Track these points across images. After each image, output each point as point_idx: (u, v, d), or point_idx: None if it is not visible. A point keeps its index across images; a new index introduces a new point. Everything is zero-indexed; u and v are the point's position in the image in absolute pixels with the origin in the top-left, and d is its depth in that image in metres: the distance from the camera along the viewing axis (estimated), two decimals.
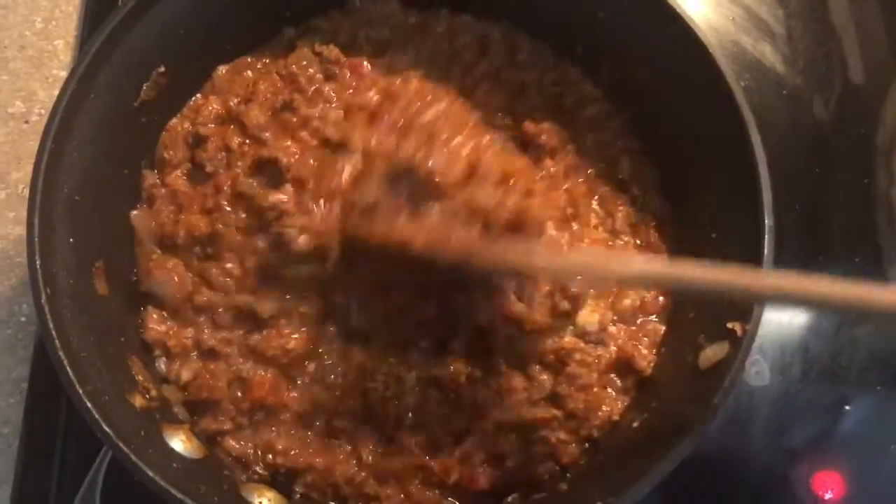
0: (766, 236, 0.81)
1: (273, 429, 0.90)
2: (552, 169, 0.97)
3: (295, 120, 0.94)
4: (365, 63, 1.00)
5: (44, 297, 0.77)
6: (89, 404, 0.75)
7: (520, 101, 1.00)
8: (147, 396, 0.85)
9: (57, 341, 0.76)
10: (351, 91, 0.97)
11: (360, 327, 0.92)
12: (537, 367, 0.88)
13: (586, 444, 0.89)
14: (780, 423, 1.03)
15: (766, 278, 0.71)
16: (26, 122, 1.15)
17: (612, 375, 0.91)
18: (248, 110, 0.95)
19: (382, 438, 0.90)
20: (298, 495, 0.88)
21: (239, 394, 0.90)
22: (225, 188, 0.93)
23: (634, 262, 0.75)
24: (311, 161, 0.92)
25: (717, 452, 1.00)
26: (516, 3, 1.01)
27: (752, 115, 0.84)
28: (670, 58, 0.91)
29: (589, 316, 0.89)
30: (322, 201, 0.82)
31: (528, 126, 0.98)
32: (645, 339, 0.92)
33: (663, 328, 0.92)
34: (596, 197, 0.98)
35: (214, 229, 0.92)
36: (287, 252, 0.89)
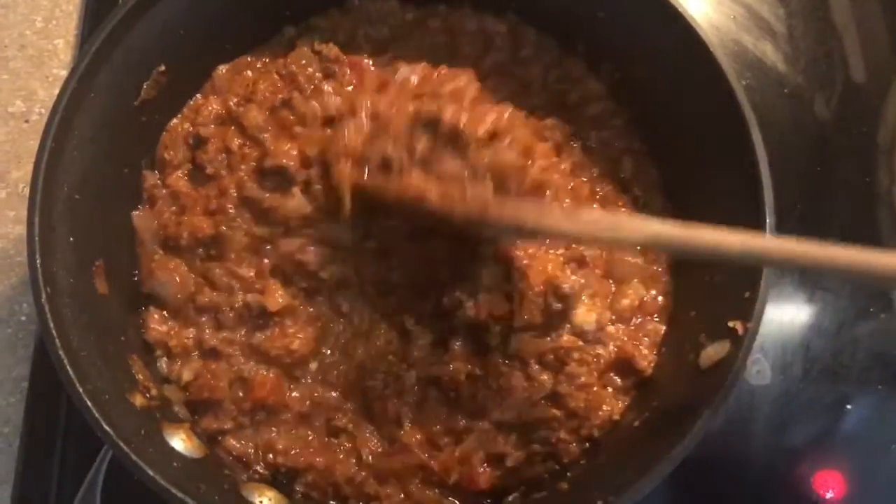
0: (768, 235, 0.81)
1: (274, 428, 0.90)
2: (562, 166, 0.97)
3: (292, 117, 0.94)
4: (365, 60, 1.00)
5: (44, 296, 0.77)
6: (89, 403, 0.75)
7: (523, 97, 1.00)
8: (147, 395, 0.85)
9: (57, 340, 0.76)
10: (351, 87, 0.97)
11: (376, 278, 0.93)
12: (537, 366, 0.88)
13: (587, 444, 0.89)
14: (781, 422, 1.03)
15: (776, 243, 0.71)
16: (26, 121, 1.15)
17: (613, 375, 0.91)
18: (247, 111, 0.94)
19: (383, 438, 0.90)
20: (299, 495, 0.89)
21: (240, 394, 0.90)
22: (230, 192, 0.93)
23: (646, 224, 0.75)
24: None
25: (718, 452, 1.00)
26: (516, 2, 1.01)
27: (753, 114, 0.84)
28: (671, 57, 0.90)
29: (586, 315, 0.89)
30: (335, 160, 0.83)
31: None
32: (645, 338, 0.92)
33: (664, 328, 0.92)
34: (597, 197, 0.98)
35: (218, 231, 0.92)
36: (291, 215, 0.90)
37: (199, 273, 0.93)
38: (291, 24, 1.01)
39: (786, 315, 1.08)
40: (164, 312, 0.92)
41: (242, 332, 0.92)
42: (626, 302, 0.91)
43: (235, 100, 0.97)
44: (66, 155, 0.83)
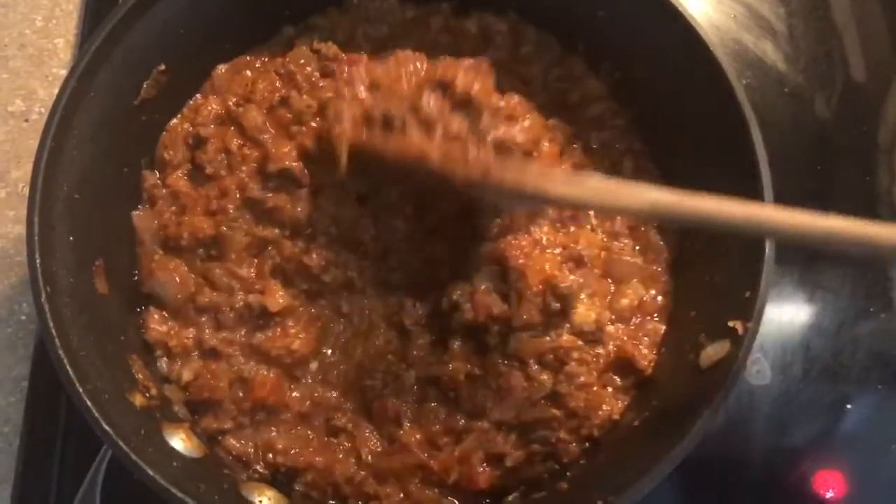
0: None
1: (273, 428, 0.90)
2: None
3: (290, 115, 0.93)
4: (364, 57, 1.00)
5: (43, 295, 0.77)
6: (89, 403, 0.75)
7: (525, 96, 1.00)
8: (147, 395, 0.85)
9: (57, 340, 0.76)
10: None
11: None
12: (536, 366, 0.88)
13: (586, 444, 0.89)
14: (781, 422, 1.03)
15: (777, 212, 0.71)
16: (26, 120, 1.15)
17: (612, 374, 0.91)
18: (246, 112, 0.94)
19: (382, 437, 0.90)
20: (298, 494, 0.89)
21: (240, 394, 0.90)
22: (231, 192, 0.93)
23: (647, 191, 0.74)
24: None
25: (718, 452, 1.00)
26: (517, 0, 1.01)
27: (753, 114, 0.84)
28: (671, 56, 0.90)
29: (585, 315, 0.89)
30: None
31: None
32: (645, 338, 0.91)
33: (663, 327, 0.92)
34: None
35: (219, 231, 0.92)
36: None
37: (199, 273, 0.93)
38: (291, 23, 1.01)
39: (786, 315, 1.08)
40: (164, 312, 0.92)
41: (242, 333, 0.92)
42: (625, 301, 0.91)
43: (234, 100, 0.96)
44: (66, 154, 0.83)
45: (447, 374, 0.88)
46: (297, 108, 0.93)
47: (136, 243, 0.94)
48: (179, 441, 0.84)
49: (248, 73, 0.99)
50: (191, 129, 0.96)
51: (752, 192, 0.82)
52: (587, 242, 0.92)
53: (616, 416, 0.89)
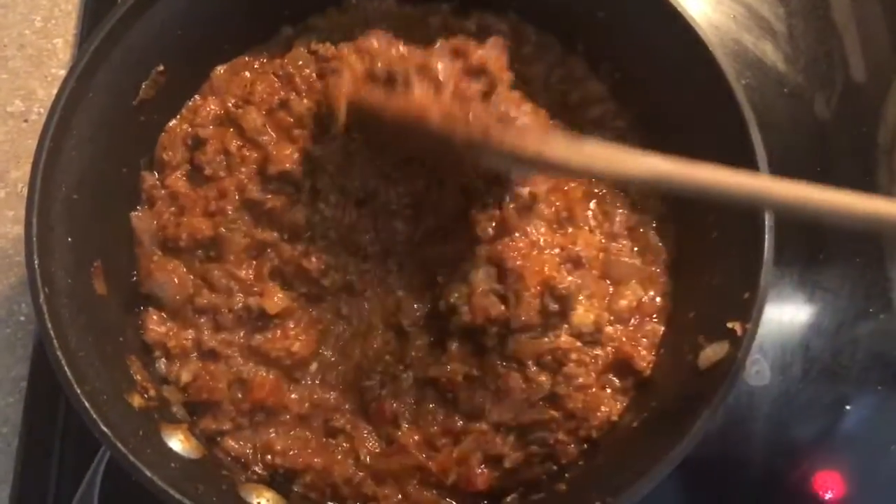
0: (767, 235, 0.81)
1: (272, 429, 0.90)
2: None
3: (291, 119, 0.93)
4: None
5: (42, 296, 0.77)
6: (87, 404, 0.75)
7: (526, 97, 1.00)
8: (145, 396, 0.85)
9: (55, 341, 0.76)
10: None
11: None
12: (535, 367, 0.88)
13: (585, 445, 0.89)
14: (780, 422, 1.03)
15: (777, 184, 0.70)
16: (25, 120, 1.15)
17: (611, 376, 0.91)
18: (245, 113, 0.94)
19: (380, 438, 0.90)
20: (297, 495, 0.89)
21: (239, 395, 0.90)
22: (230, 193, 0.93)
23: (646, 159, 0.73)
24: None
25: (717, 452, 1.00)
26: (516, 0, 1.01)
27: (752, 114, 0.84)
28: (670, 57, 0.90)
29: (583, 316, 0.88)
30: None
31: None
32: (644, 339, 0.91)
33: (662, 328, 0.92)
34: (594, 200, 0.97)
35: (217, 233, 0.92)
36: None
37: (197, 274, 0.93)
38: (289, 24, 1.01)
39: (785, 315, 1.08)
40: (163, 313, 0.92)
41: (241, 334, 0.92)
42: (624, 303, 0.91)
43: (233, 101, 0.96)
44: (65, 155, 0.83)
45: (445, 375, 0.88)
46: (297, 112, 0.93)
47: (135, 244, 0.94)
48: (178, 442, 0.84)
49: (247, 74, 0.99)
50: (190, 129, 0.96)
51: None
52: (585, 243, 0.92)
53: (615, 418, 0.89)
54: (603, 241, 0.94)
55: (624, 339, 0.91)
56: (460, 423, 0.89)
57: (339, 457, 0.89)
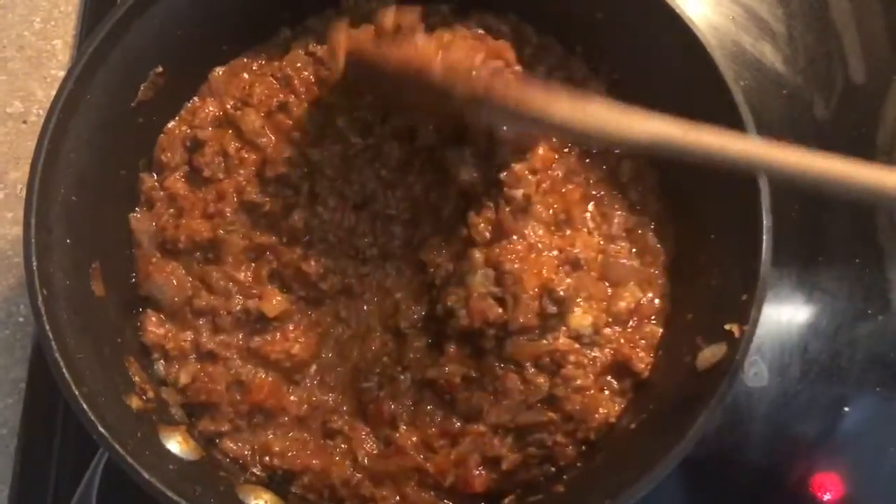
0: (765, 236, 0.81)
1: (270, 431, 0.90)
2: (557, 173, 0.96)
3: (290, 122, 0.93)
4: None
5: (40, 298, 0.77)
6: (85, 406, 0.75)
7: None
8: (144, 398, 0.85)
9: (53, 343, 0.76)
10: None
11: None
12: (533, 369, 0.88)
13: (583, 447, 0.89)
14: (778, 424, 1.03)
15: (774, 150, 0.69)
16: (24, 122, 1.15)
17: (609, 377, 0.90)
18: (244, 115, 0.94)
19: (378, 440, 0.90)
20: (295, 497, 0.89)
21: (237, 396, 0.90)
22: (229, 195, 0.93)
23: (649, 121, 0.72)
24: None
25: (715, 454, 1.00)
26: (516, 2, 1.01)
27: (751, 115, 0.84)
28: (669, 58, 0.90)
29: (582, 318, 0.88)
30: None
31: None
32: (642, 341, 0.91)
33: (660, 330, 0.92)
34: (592, 201, 0.97)
35: (216, 235, 0.92)
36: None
37: (196, 276, 0.93)
38: (288, 25, 1.01)
39: (783, 316, 1.07)
40: (161, 315, 0.92)
41: (240, 336, 0.92)
42: (622, 305, 0.91)
43: (232, 102, 0.96)
44: (63, 156, 0.83)
45: (443, 376, 0.88)
46: (296, 114, 0.93)
47: (134, 246, 0.94)
48: (176, 444, 0.84)
49: (246, 75, 0.99)
50: (188, 131, 0.96)
51: (750, 191, 0.81)
52: (583, 245, 0.92)
53: (613, 419, 0.89)
54: (601, 242, 0.94)
55: (622, 340, 0.91)
56: (458, 424, 0.89)
57: (338, 458, 0.90)
